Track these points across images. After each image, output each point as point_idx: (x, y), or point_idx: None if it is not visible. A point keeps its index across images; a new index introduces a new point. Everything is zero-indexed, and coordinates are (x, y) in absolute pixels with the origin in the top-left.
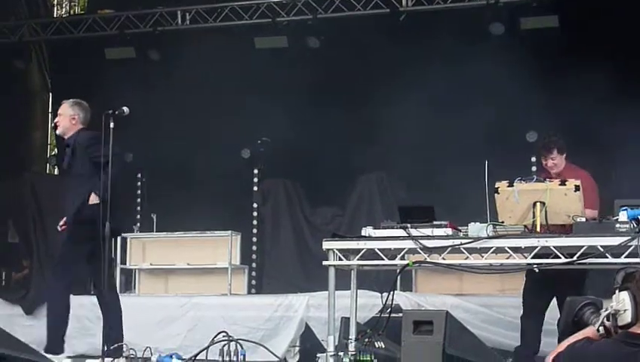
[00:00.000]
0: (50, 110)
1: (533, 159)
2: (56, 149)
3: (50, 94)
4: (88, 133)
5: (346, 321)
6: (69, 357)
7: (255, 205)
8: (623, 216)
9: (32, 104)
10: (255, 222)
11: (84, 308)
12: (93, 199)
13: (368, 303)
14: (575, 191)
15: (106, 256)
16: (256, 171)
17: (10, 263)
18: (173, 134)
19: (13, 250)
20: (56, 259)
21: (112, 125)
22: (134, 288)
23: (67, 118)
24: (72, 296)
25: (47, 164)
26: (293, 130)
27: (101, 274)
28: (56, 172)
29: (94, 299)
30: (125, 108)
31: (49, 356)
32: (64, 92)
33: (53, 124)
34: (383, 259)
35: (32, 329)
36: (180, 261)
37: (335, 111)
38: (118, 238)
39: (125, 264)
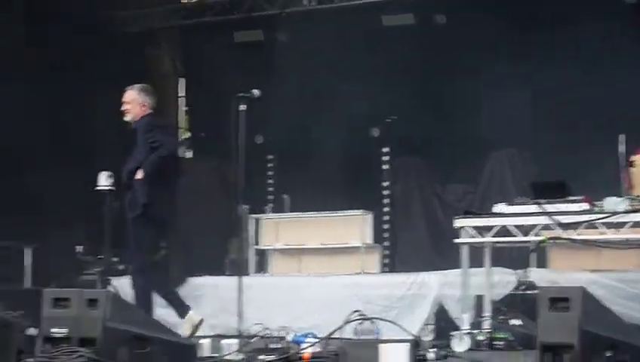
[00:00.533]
0: (180, 95)
1: None
2: (188, 133)
3: (181, 79)
4: (148, 119)
5: (479, 299)
6: (206, 337)
7: (386, 184)
8: None
9: (163, 89)
10: (386, 201)
11: (220, 289)
12: (139, 174)
13: (502, 280)
14: None
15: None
16: (386, 150)
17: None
18: (302, 115)
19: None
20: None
21: (241, 108)
22: (268, 268)
23: (138, 105)
24: (208, 277)
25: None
26: (423, 108)
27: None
28: (188, 155)
29: (230, 279)
30: (255, 91)
31: None
32: (194, 76)
33: (122, 112)
34: (517, 236)
35: (169, 310)
36: (312, 241)
37: (463, 87)
38: (252, 220)
39: (258, 245)
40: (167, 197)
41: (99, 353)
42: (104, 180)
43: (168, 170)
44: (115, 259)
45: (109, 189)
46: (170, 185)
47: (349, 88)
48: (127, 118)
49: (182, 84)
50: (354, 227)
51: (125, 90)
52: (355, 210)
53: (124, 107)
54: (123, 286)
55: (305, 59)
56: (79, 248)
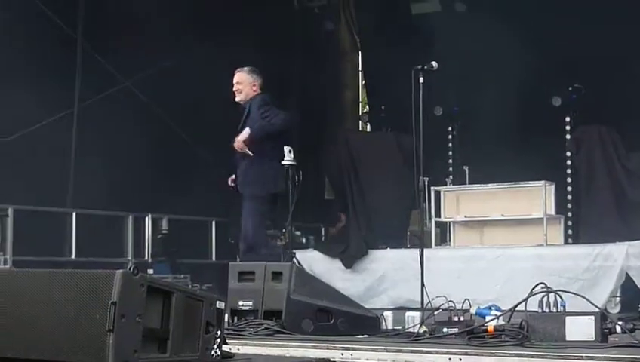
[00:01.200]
0: (360, 68)
1: None
2: (367, 107)
3: (360, 53)
4: (261, 97)
5: None
6: (389, 310)
7: (568, 153)
8: None
9: (342, 64)
10: (569, 171)
11: (402, 261)
12: (243, 135)
13: None
14: None
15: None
16: (568, 119)
17: (326, 219)
18: (481, 85)
19: (329, 206)
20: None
21: (421, 80)
22: (449, 240)
23: (249, 86)
24: (390, 250)
25: (360, 121)
26: (605, 74)
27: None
28: (368, 129)
29: (411, 252)
30: (434, 63)
31: None
32: (372, 50)
33: (233, 93)
34: None
35: (351, 283)
36: (494, 212)
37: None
38: (432, 193)
39: (439, 217)
40: (280, 172)
41: (284, 325)
42: (286, 155)
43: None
44: (297, 233)
45: (290, 164)
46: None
47: (527, 57)
48: (238, 98)
49: (360, 58)
50: (536, 198)
51: (235, 72)
52: (537, 181)
53: (235, 88)
54: (307, 259)
55: (482, 29)
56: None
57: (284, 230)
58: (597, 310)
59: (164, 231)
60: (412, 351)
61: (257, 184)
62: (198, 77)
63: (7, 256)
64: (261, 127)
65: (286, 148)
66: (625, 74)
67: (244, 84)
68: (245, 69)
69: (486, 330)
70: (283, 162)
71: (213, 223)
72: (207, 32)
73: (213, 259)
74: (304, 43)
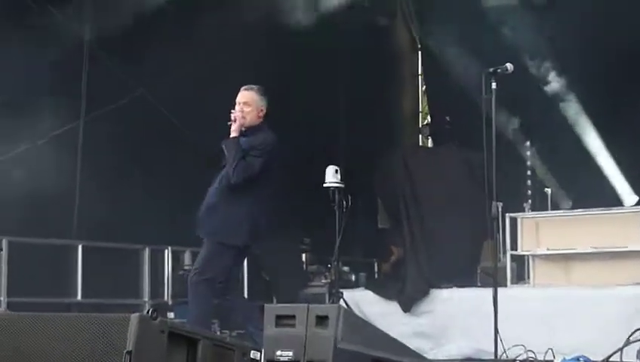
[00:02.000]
0: (419, 72)
1: None
2: (429, 117)
3: (419, 54)
4: (269, 132)
5: None
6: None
7: None
8: None
9: (399, 66)
10: None
11: (471, 303)
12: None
13: None
14: None
15: None
16: None
17: (380, 253)
18: (566, 91)
19: (383, 236)
20: None
21: (493, 86)
22: (528, 278)
23: (256, 111)
24: (456, 289)
25: (420, 135)
26: None
27: None
28: (430, 144)
29: (483, 291)
30: (509, 65)
31: None
32: (435, 50)
33: (235, 114)
34: None
35: (410, 329)
36: (582, 244)
37: None
38: (507, 220)
39: (516, 250)
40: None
41: None
42: (331, 176)
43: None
44: (345, 269)
45: (337, 186)
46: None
47: (618, 53)
48: (240, 123)
49: (419, 59)
50: (634, 226)
51: (241, 90)
52: (635, 206)
53: (239, 108)
54: (356, 300)
55: (566, 24)
56: (304, 255)
57: (329, 265)
58: None
59: (186, 267)
60: None
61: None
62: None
63: (1, 298)
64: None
65: (331, 168)
66: None
67: (253, 107)
68: (255, 87)
69: None
70: (327, 184)
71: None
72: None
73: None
74: (351, 43)
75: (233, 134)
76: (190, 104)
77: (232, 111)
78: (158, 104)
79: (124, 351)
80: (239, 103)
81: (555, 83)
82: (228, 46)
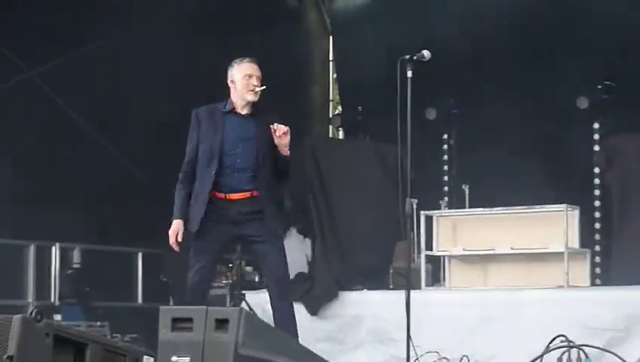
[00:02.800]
0: (330, 58)
1: None
2: (340, 107)
3: (331, 38)
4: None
5: None
6: None
7: (597, 170)
8: None
9: (308, 51)
10: (597, 193)
11: (383, 306)
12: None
13: None
14: None
15: None
16: (596, 125)
17: None
18: (487, 83)
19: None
20: None
21: (409, 74)
22: (444, 280)
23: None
24: (367, 292)
25: (330, 126)
26: None
27: None
28: (341, 135)
29: (395, 294)
30: (426, 52)
31: None
32: (347, 34)
33: (254, 87)
34: None
35: (317, 334)
36: (501, 245)
37: None
38: (422, 219)
39: (432, 250)
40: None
41: None
42: None
43: None
44: (248, 268)
45: None
46: None
47: (546, 46)
48: (257, 98)
49: (330, 44)
50: (555, 227)
51: (250, 61)
52: (557, 205)
53: (257, 82)
54: (260, 302)
55: (490, 8)
56: None
57: (231, 265)
58: None
59: (75, 266)
60: None
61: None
62: (122, 69)
63: None
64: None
65: None
66: None
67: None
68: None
69: None
70: None
71: (140, 256)
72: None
73: (140, 301)
74: (255, 25)
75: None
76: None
77: (255, 85)
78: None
79: (5, 356)
80: (256, 77)
81: (475, 71)
82: (130, 29)
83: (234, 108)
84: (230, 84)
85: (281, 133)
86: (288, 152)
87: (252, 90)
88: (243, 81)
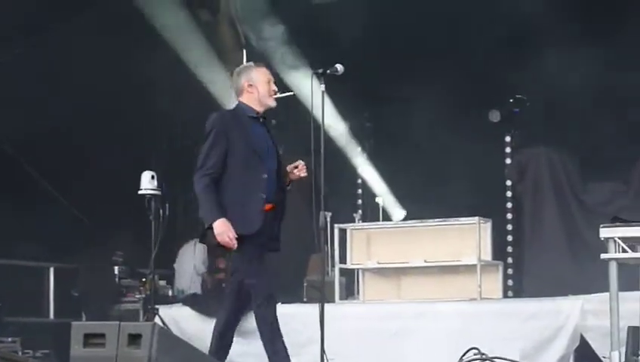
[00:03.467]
0: None
1: None
2: None
3: (244, 52)
4: None
5: (634, 331)
6: None
7: (509, 183)
8: None
9: (223, 64)
10: (509, 205)
11: (296, 320)
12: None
13: None
14: None
15: None
16: (508, 139)
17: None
18: (399, 96)
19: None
20: None
21: (322, 87)
22: (358, 293)
23: None
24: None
25: None
26: (555, 84)
27: None
28: None
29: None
30: (339, 66)
31: None
32: (261, 47)
33: (275, 93)
34: None
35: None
36: (415, 257)
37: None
38: (335, 232)
39: (346, 263)
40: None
41: None
42: (147, 182)
43: None
44: (162, 283)
45: (153, 194)
46: None
47: (458, 60)
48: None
49: (244, 58)
50: (468, 239)
51: (263, 66)
52: (469, 218)
53: (274, 87)
54: (174, 316)
55: (402, 22)
56: (117, 268)
57: (144, 279)
58: None
59: None
60: None
61: None
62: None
63: None
64: None
65: (147, 174)
66: (580, 84)
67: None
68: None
69: None
70: (142, 191)
71: (52, 270)
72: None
73: (51, 317)
74: (171, 37)
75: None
76: None
77: (273, 88)
78: None
79: None
80: (273, 82)
81: (388, 84)
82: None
83: (258, 113)
84: (247, 88)
85: (302, 170)
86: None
87: (273, 96)
88: (266, 86)
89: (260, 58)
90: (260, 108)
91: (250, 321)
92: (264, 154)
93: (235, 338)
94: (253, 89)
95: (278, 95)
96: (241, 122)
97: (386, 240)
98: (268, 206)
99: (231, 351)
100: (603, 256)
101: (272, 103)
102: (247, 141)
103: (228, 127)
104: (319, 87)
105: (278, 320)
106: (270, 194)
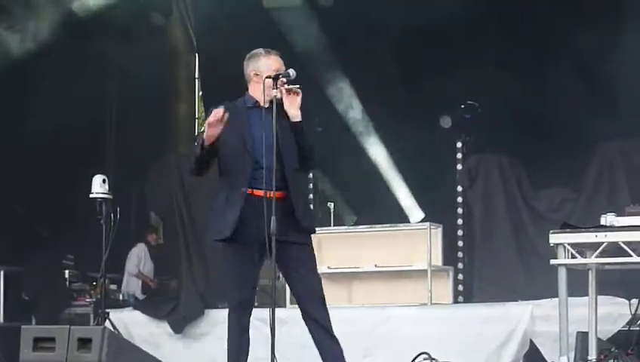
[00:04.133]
0: (197, 76)
1: None
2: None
3: (197, 56)
4: None
5: (583, 337)
6: None
7: (459, 189)
8: None
9: (174, 68)
10: (460, 211)
11: None
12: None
13: (612, 313)
14: None
15: None
16: (459, 145)
17: (158, 269)
18: (350, 100)
19: (156, 251)
20: None
21: (274, 92)
22: None
23: None
24: None
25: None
26: (509, 90)
27: None
28: None
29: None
30: (291, 71)
31: None
32: (212, 52)
33: (283, 84)
34: (631, 256)
35: (184, 353)
36: (365, 263)
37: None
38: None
39: None
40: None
41: None
42: (98, 186)
43: None
44: (113, 287)
45: (104, 198)
46: None
47: (409, 66)
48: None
49: (197, 62)
50: (418, 245)
51: (276, 55)
52: (420, 223)
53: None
54: (124, 320)
55: (351, 27)
56: (67, 272)
57: (94, 283)
58: None
59: None
60: None
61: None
62: None
63: None
64: None
65: (98, 178)
66: (531, 90)
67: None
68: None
69: None
70: (94, 195)
71: (1, 274)
72: None
73: (1, 320)
74: (123, 41)
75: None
76: None
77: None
78: None
79: None
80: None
81: (340, 89)
82: None
83: (256, 103)
84: (253, 77)
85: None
86: (300, 116)
87: (280, 87)
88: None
89: (214, 62)
90: (266, 98)
91: (193, 324)
92: (257, 143)
93: (175, 339)
94: (259, 78)
95: (286, 87)
96: (237, 113)
97: (337, 245)
98: (258, 192)
99: (168, 349)
100: (552, 261)
101: (278, 95)
102: (236, 132)
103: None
104: (272, 92)
105: (247, 331)
106: (259, 184)
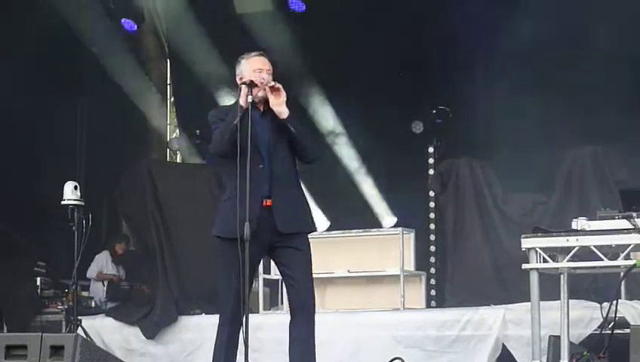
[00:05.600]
0: (168, 81)
1: None
2: (177, 130)
3: (168, 61)
4: None
5: (555, 340)
6: None
7: (431, 193)
8: None
9: (147, 74)
10: (432, 216)
11: None
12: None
13: (584, 316)
14: None
15: None
16: (431, 150)
17: (131, 276)
18: (323, 105)
19: (129, 258)
20: None
21: (249, 98)
22: (282, 303)
23: None
24: (204, 316)
25: (168, 150)
26: (480, 95)
27: None
28: (179, 159)
29: None
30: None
31: None
32: (184, 57)
33: (266, 81)
34: (602, 260)
35: (156, 359)
36: (337, 267)
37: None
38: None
39: (269, 273)
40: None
41: None
42: (70, 192)
43: None
44: (85, 294)
45: (76, 204)
46: None
47: (381, 71)
48: (264, 94)
49: (168, 68)
50: (391, 250)
51: (258, 55)
52: (393, 228)
53: (269, 77)
54: (97, 327)
55: (326, 32)
56: (39, 279)
57: (66, 290)
58: None
59: None
60: None
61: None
62: None
63: None
64: None
65: (70, 185)
66: (502, 95)
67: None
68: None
69: None
70: (65, 201)
71: None
72: None
73: None
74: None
75: (243, 99)
76: None
77: (261, 77)
78: None
79: None
80: (266, 71)
81: (312, 94)
82: None
83: (241, 108)
84: (239, 82)
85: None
86: (287, 111)
87: (262, 85)
88: (253, 75)
89: (186, 67)
90: (247, 101)
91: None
92: (243, 145)
93: (148, 345)
94: (242, 81)
95: (271, 84)
96: (230, 116)
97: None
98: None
99: (141, 355)
100: (524, 265)
101: (261, 93)
102: (241, 134)
103: (218, 121)
104: (248, 98)
105: (235, 343)
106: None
